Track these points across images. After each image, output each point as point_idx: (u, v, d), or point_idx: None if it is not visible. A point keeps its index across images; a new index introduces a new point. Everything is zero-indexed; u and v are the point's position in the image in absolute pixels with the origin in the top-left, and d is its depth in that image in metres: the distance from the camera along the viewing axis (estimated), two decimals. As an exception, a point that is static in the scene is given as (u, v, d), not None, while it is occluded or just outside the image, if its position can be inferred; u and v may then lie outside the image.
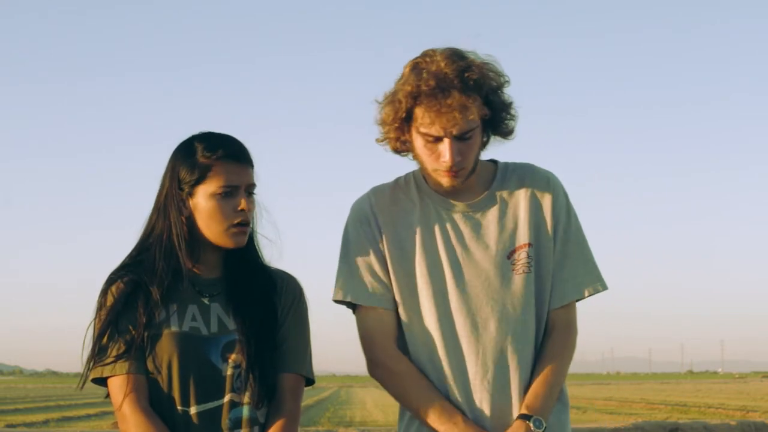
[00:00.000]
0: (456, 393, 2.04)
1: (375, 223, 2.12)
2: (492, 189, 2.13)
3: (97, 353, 1.95)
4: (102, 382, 1.98)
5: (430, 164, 2.04)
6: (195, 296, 2.02)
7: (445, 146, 1.99)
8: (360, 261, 2.10)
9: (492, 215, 2.10)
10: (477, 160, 2.08)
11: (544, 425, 1.98)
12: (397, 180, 2.19)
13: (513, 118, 2.08)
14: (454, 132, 1.97)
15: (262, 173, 2.07)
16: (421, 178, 2.15)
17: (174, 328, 1.97)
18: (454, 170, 2.02)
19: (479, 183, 2.13)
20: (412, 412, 2.07)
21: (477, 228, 2.09)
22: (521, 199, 2.11)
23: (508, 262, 2.07)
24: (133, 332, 1.95)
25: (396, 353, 2.07)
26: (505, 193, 2.12)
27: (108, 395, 1.98)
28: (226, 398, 1.96)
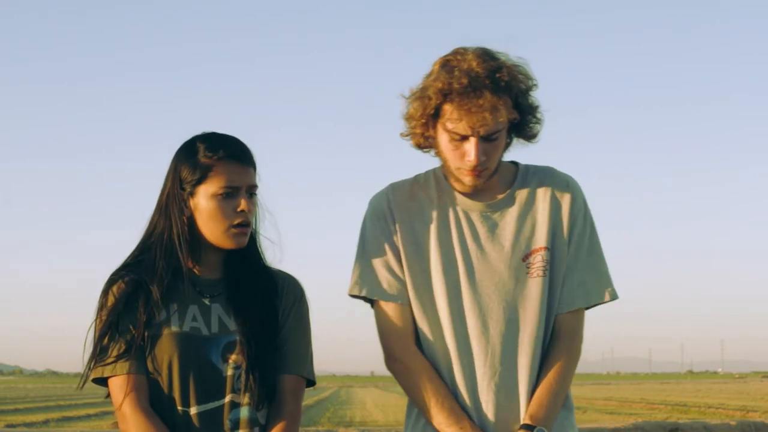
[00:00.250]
0: (463, 393, 2.04)
1: (392, 218, 2.12)
2: (512, 190, 2.12)
3: (98, 353, 1.95)
4: (103, 382, 1.98)
5: (453, 162, 2.04)
6: (196, 296, 2.02)
7: (470, 145, 1.99)
8: (376, 256, 2.10)
9: (510, 216, 2.10)
10: (500, 161, 2.08)
11: None
12: (417, 177, 2.19)
13: (539, 122, 2.08)
14: (482, 132, 1.97)
15: (262, 174, 2.07)
16: (441, 175, 2.15)
17: (174, 328, 1.97)
18: (478, 170, 2.02)
19: (499, 184, 2.12)
20: (420, 410, 2.07)
21: (494, 228, 2.09)
22: (540, 202, 2.11)
23: (523, 265, 2.06)
24: (134, 332, 1.95)
25: (412, 349, 2.07)
26: (524, 195, 2.12)
27: (108, 395, 1.98)
28: (227, 399, 1.96)
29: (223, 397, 1.96)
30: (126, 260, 2.05)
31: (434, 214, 2.11)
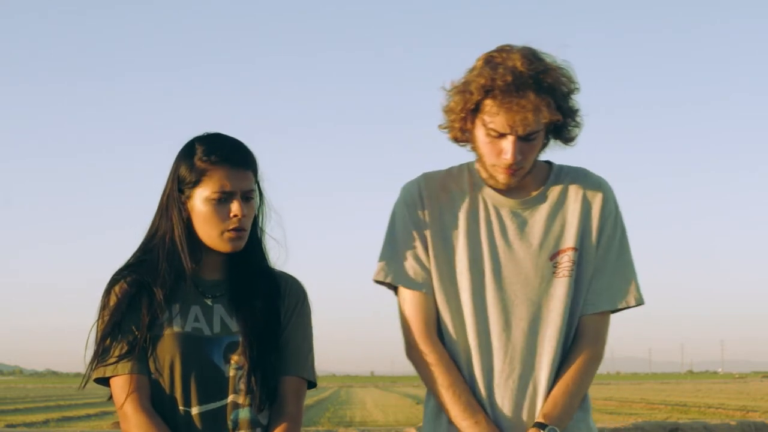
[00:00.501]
0: (480, 388, 2.04)
1: (421, 207, 2.12)
2: (544, 189, 2.12)
3: (101, 353, 1.95)
4: (104, 382, 1.98)
5: (489, 159, 2.04)
6: (198, 297, 2.02)
7: (508, 143, 1.99)
8: (404, 244, 2.11)
9: (540, 215, 2.10)
10: (535, 161, 2.08)
11: None
12: (451, 168, 2.19)
13: (578, 125, 2.08)
14: (520, 131, 1.97)
15: (264, 174, 2.07)
16: (475, 170, 2.15)
17: (176, 329, 1.97)
18: (513, 168, 2.02)
19: (532, 182, 2.12)
20: (437, 401, 2.07)
21: (523, 226, 2.09)
22: (571, 202, 2.11)
23: (550, 264, 2.07)
24: (136, 332, 1.95)
25: (432, 340, 2.07)
26: (555, 195, 2.12)
27: (111, 396, 1.98)
28: (229, 399, 1.96)
29: (225, 397, 1.96)
30: (128, 260, 2.05)
31: (464, 207, 2.11)
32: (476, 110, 2.02)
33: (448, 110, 2.08)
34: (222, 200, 1.97)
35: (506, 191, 2.11)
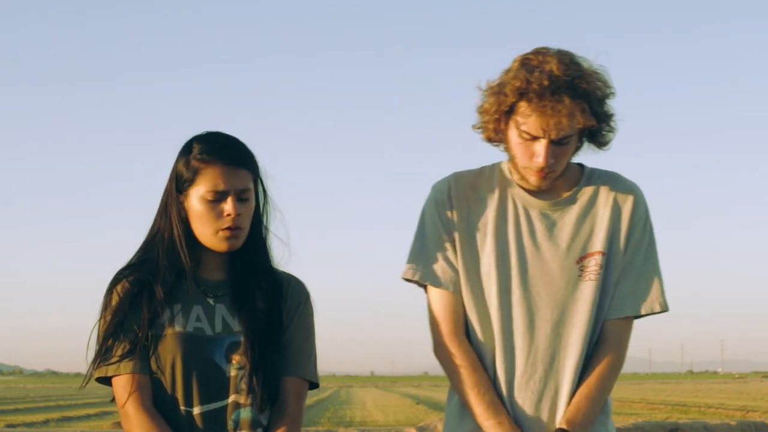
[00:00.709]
0: (502, 387, 2.05)
1: (450, 206, 2.13)
2: (574, 192, 2.12)
3: (103, 353, 1.95)
4: (106, 381, 1.98)
5: (521, 161, 2.04)
6: (200, 296, 2.02)
7: (540, 146, 1.99)
8: (432, 242, 2.12)
9: (569, 217, 2.10)
10: (567, 164, 2.08)
11: None
12: (483, 168, 2.19)
13: (612, 130, 2.08)
14: (553, 135, 1.97)
15: (269, 173, 2.07)
16: (506, 170, 2.15)
17: (178, 328, 1.97)
18: (544, 171, 2.02)
19: (564, 184, 2.12)
20: (461, 399, 2.08)
21: (552, 228, 2.09)
22: (601, 206, 2.11)
23: (577, 267, 2.07)
24: (138, 331, 1.95)
25: (459, 339, 2.08)
26: (586, 198, 2.12)
27: (113, 398, 1.98)
28: (230, 399, 1.96)
29: (227, 397, 1.96)
30: (130, 260, 2.05)
31: (493, 207, 2.12)
32: (510, 112, 2.02)
33: (482, 111, 2.08)
34: (216, 199, 1.96)
35: (537, 192, 2.11)
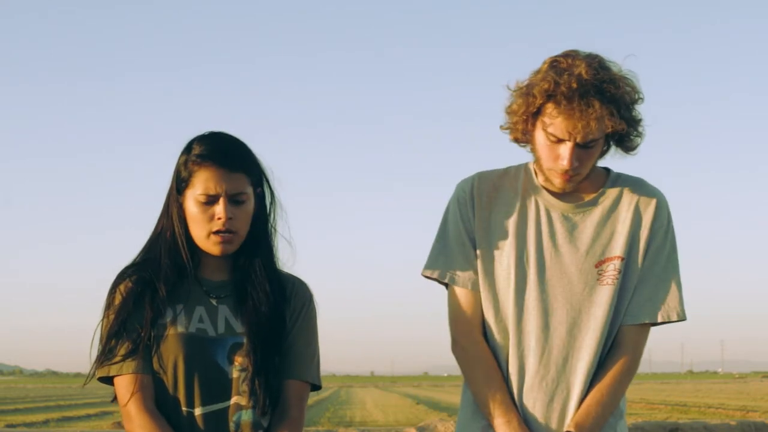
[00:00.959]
0: (513, 387, 2.06)
1: (472, 205, 2.14)
2: (597, 195, 2.12)
3: (106, 352, 1.95)
4: (108, 380, 1.98)
5: (546, 162, 2.05)
6: (203, 297, 2.01)
7: (566, 149, 1.99)
8: (454, 241, 2.13)
9: (591, 221, 2.10)
10: (593, 168, 2.08)
11: None
12: (508, 168, 2.20)
13: (640, 135, 2.08)
14: (578, 139, 1.97)
15: (275, 173, 2.06)
16: (532, 170, 2.16)
17: (180, 329, 1.96)
18: (569, 174, 2.03)
19: (588, 187, 2.13)
20: (473, 396, 2.10)
21: (572, 230, 2.09)
22: (623, 211, 2.11)
23: (595, 271, 2.07)
24: (140, 330, 1.95)
25: (476, 337, 2.10)
26: (609, 202, 2.12)
27: (115, 398, 1.98)
28: (232, 401, 1.96)
29: (229, 398, 1.96)
30: (134, 259, 2.05)
31: (516, 207, 2.12)
32: (537, 113, 2.02)
33: (510, 112, 2.09)
34: (208, 202, 1.95)
35: (561, 194, 2.11)
